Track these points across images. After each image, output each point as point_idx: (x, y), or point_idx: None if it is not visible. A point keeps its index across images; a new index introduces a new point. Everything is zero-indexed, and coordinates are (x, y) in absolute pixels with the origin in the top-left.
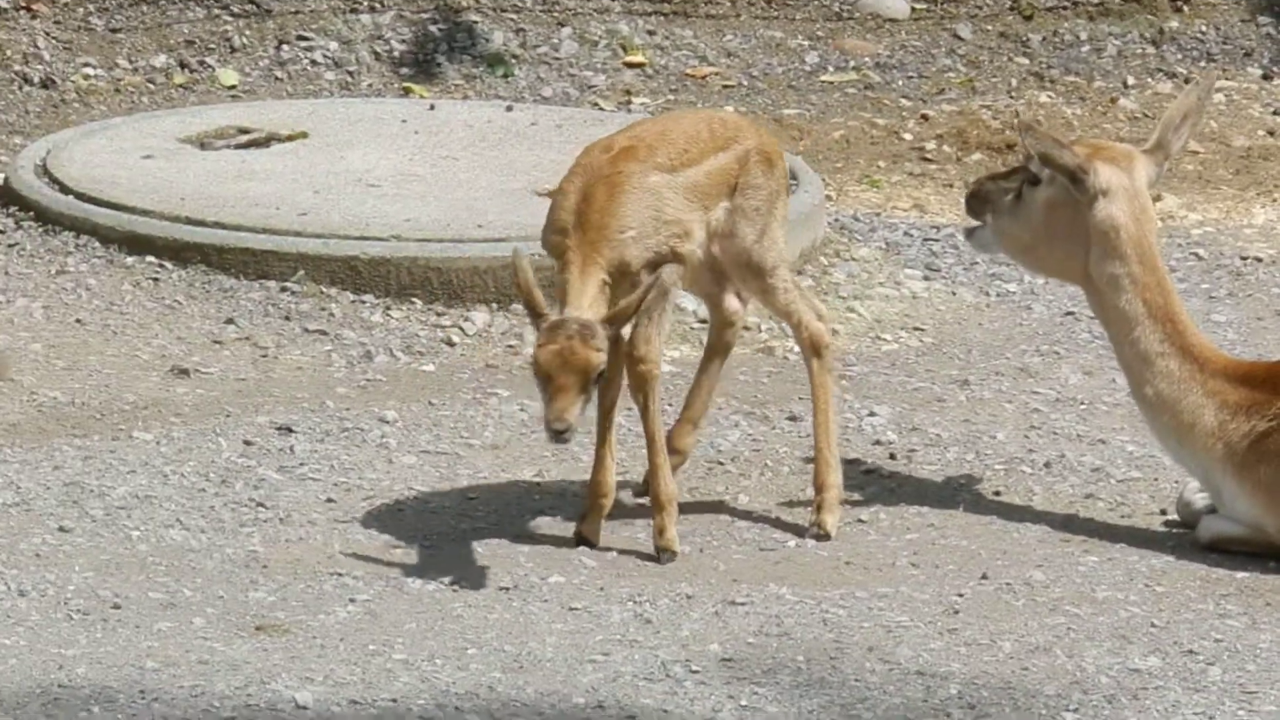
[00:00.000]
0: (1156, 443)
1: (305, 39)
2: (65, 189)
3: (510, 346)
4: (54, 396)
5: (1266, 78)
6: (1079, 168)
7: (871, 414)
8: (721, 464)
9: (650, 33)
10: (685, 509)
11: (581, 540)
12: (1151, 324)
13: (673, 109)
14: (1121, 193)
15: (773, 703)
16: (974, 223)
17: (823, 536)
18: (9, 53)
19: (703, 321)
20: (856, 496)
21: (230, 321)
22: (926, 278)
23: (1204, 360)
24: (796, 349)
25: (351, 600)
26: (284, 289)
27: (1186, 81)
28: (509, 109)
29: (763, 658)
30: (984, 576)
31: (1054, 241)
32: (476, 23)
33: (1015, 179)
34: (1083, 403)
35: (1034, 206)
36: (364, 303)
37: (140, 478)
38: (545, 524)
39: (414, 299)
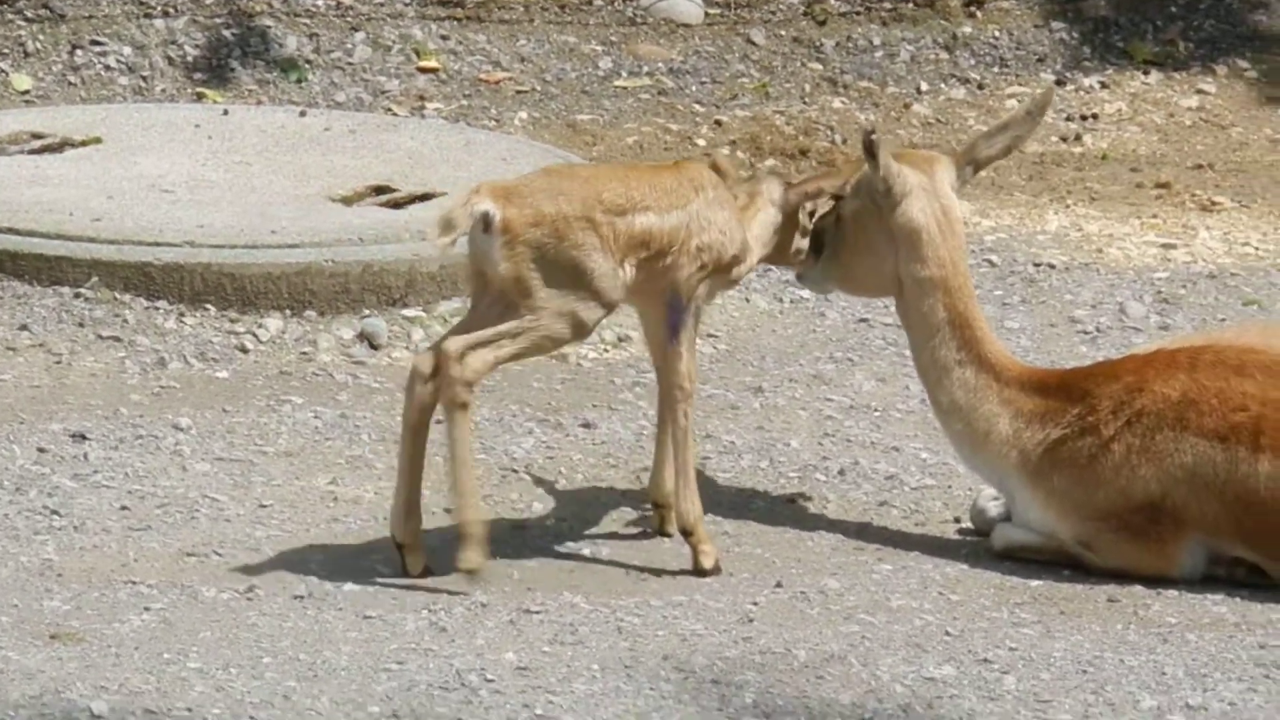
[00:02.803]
0: (951, 450)
1: (99, 44)
2: None
3: (304, 353)
4: None
5: (1060, 83)
6: (893, 171)
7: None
8: (515, 472)
9: (444, 38)
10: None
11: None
12: (951, 331)
13: (467, 114)
14: (921, 194)
15: (568, 712)
16: None
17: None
18: None
19: None
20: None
21: (24, 328)
22: None
23: (1000, 369)
24: (590, 356)
25: (146, 609)
26: (78, 295)
27: (980, 87)
28: (302, 114)
29: (558, 666)
30: (778, 584)
31: (864, 255)
32: (270, 28)
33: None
34: (876, 410)
35: (841, 225)
36: (158, 309)
37: None
38: (340, 531)
39: (208, 305)
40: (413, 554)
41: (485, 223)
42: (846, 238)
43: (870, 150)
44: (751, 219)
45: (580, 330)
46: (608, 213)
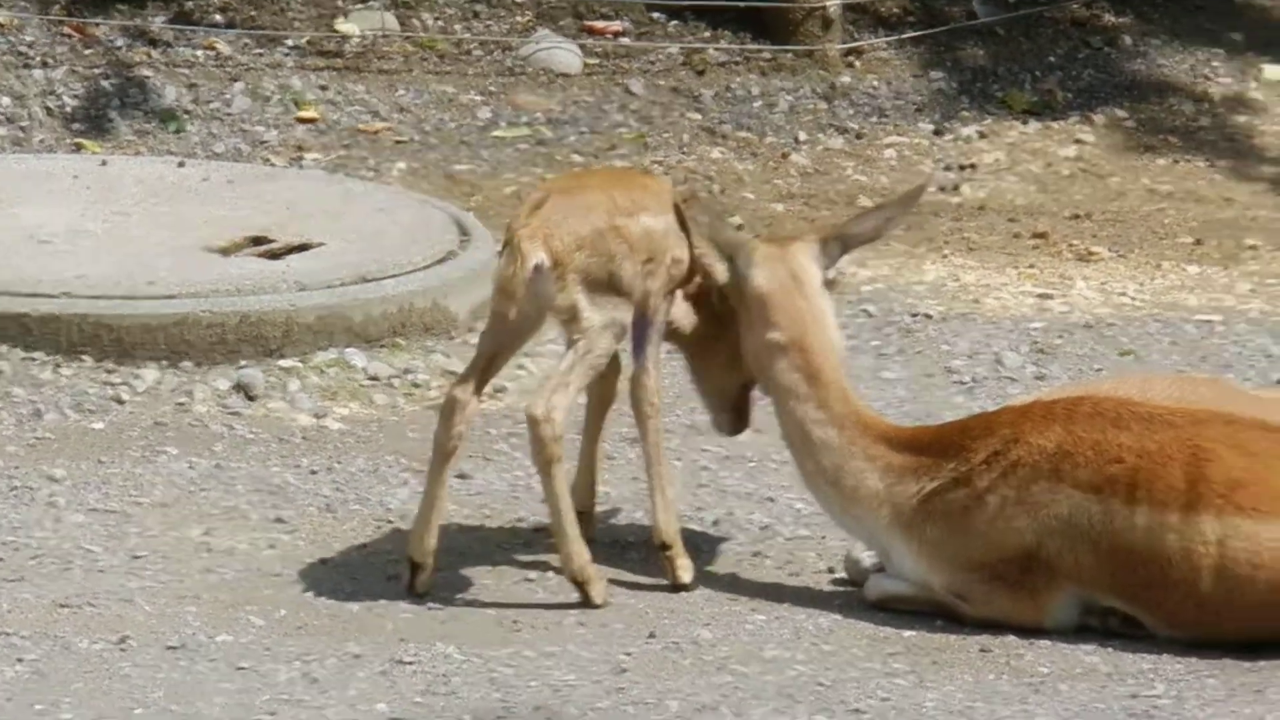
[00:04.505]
0: (827, 516)
1: None
2: None
3: (180, 404)
4: None
5: (938, 133)
6: (732, 241)
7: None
8: (390, 522)
9: (322, 88)
10: (354, 567)
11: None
12: (809, 391)
13: (345, 164)
14: (768, 262)
15: None
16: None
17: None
18: None
19: (372, 378)
20: (528, 558)
21: None
22: None
23: (864, 426)
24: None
25: (19, 660)
26: None
27: (859, 137)
28: (181, 165)
29: (430, 717)
30: (652, 635)
31: (743, 337)
32: (149, 78)
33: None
34: (751, 460)
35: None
36: (34, 360)
37: None
38: (214, 582)
39: (84, 356)
40: (425, 573)
41: (537, 269)
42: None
43: (699, 212)
44: None
45: (620, 335)
46: (623, 215)
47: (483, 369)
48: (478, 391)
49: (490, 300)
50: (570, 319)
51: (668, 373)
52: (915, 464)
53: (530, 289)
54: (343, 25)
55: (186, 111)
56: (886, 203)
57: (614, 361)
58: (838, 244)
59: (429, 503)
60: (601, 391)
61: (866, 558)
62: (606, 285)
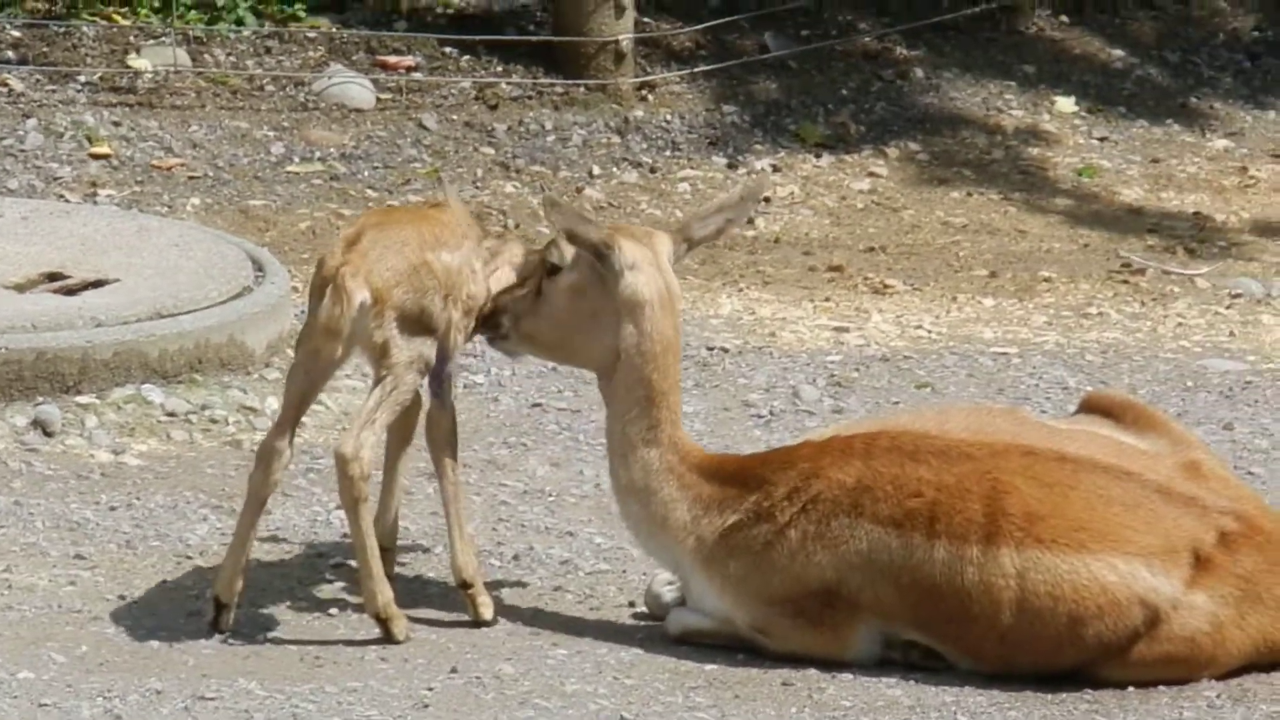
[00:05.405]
0: (628, 533)
1: None
2: None
3: None
4: None
5: (732, 166)
6: (603, 242)
7: (340, 507)
8: (190, 558)
9: (116, 124)
10: (154, 604)
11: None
12: (646, 407)
13: (139, 200)
14: (647, 266)
15: None
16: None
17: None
18: None
19: (170, 414)
20: (329, 593)
21: None
22: None
23: (683, 453)
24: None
25: None
26: None
27: (652, 170)
28: None
29: None
30: (454, 670)
31: (583, 327)
32: None
33: (530, 282)
34: (551, 495)
35: (557, 296)
36: None
37: None
38: (14, 619)
39: None
40: (230, 612)
41: (360, 306)
42: (559, 309)
43: (551, 217)
44: (490, 277)
45: (424, 371)
46: (430, 250)
47: (294, 416)
48: (292, 438)
49: (306, 339)
50: (381, 355)
51: (463, 408)
52: (720, 496)
53: (352, 326)
54: (135, 61)
55: None
56: (725, 202)
57: (414, 398)
58: (684, 245)
59: (238, 544)
60: (402, 428)
61: (667, 592)
62: (417, 321)
